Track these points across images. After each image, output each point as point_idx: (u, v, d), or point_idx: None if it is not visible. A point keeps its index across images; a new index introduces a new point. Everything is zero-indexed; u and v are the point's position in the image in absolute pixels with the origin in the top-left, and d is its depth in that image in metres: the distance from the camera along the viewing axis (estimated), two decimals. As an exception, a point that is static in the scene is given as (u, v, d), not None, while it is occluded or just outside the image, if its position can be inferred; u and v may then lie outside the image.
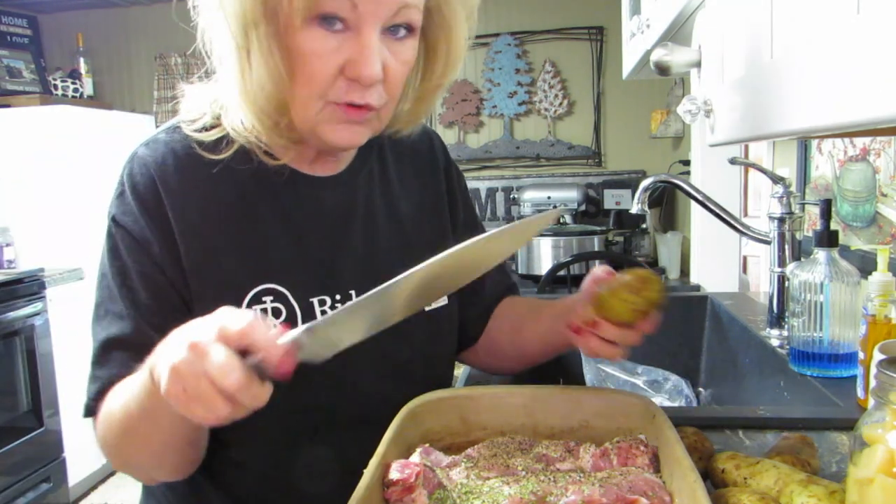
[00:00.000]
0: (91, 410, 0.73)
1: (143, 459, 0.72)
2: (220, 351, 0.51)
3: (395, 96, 0.72)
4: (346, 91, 0.67)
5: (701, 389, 1.59)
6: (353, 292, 0.79)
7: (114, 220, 0.74)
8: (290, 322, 0.75)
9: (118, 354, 0.72)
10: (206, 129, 0.76)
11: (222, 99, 0.74)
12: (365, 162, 0.84)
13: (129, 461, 0.73)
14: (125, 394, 0.66)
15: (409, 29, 0.68)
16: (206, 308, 0.71)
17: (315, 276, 0.77)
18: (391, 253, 0.82)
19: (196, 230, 0.73)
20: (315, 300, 0.77)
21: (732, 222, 1.33)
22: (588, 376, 1.40)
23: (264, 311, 0.74)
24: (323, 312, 0.77)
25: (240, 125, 0.72)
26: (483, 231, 0.96)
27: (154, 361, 0.58)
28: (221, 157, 0.74)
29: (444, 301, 0.85)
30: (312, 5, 0.62)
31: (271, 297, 0.75)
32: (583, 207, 3.52)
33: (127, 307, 0.72)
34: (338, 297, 0.78)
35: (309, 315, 0.77)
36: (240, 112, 0.71)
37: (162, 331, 0.70)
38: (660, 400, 1.40)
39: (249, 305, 0.74)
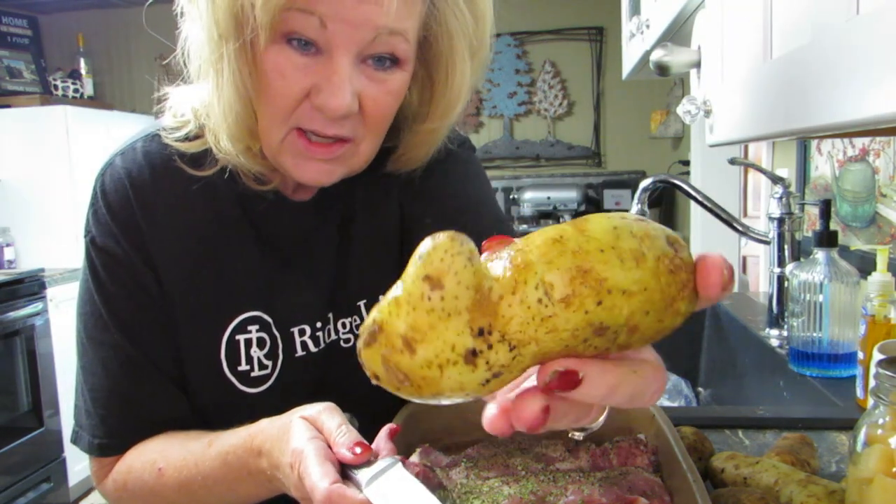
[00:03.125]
0: (107, 449, 0.69)
1: None
2: None
3: (379, 130, 0.64)
4: (310, 118, 0.60)
5: (701, 389, 1.59)
6: (331, 315, 0.75)
7: (93, 241, 0.69)
8: (272, 353, 0.72)
9: (122, 390, 0.69)
10: (188, 138, 0.69)
11: (203, 111, 0.68)
12: (350, 183, 0.73)
13: None
14: (194, 462, 0.63)
15: (395, 60, 0.61)
16: (189, 334, 0.70)
17: (295, 305, 0.73)
18: (360, 271, 0.76)
19: (174, 253, 0.68)
20: (295, 330, 0.73)
21: (732, 222, 1.33)
22: (588, 376, 1.40)
23: (248, 341, 0.70)
24: (303, 344, 0.73)
25: (221, 145, 0.66)
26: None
27: (269, 460, 0.56)
28: (205, 173, 0.68)
29: None
30: (277, 23, 0.56)
31: (257, 327, 0.71)
32: (582, 208, 3.52)
33: (122, 339, 0.68)
34: (318, 324, 0.74)
35: (289, 345, 0.73)
36: (217, 133, 0.65)
37: (161, 358, 0.69)
38: (660, 400, 1.39)
39: (233, 335, 0.70)
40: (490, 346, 0.29)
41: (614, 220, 0.31)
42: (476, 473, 0.61)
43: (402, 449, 0.65)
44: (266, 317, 0.71)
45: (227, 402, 0.71)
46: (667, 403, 1.39)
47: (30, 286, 2.82)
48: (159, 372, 0.69)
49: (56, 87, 3.72)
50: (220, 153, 0.66)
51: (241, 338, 0.70)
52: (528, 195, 3.54)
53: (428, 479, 0.57)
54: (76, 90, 3.78)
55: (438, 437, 0.69)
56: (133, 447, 0.69)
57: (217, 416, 0.70)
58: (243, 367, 0.70)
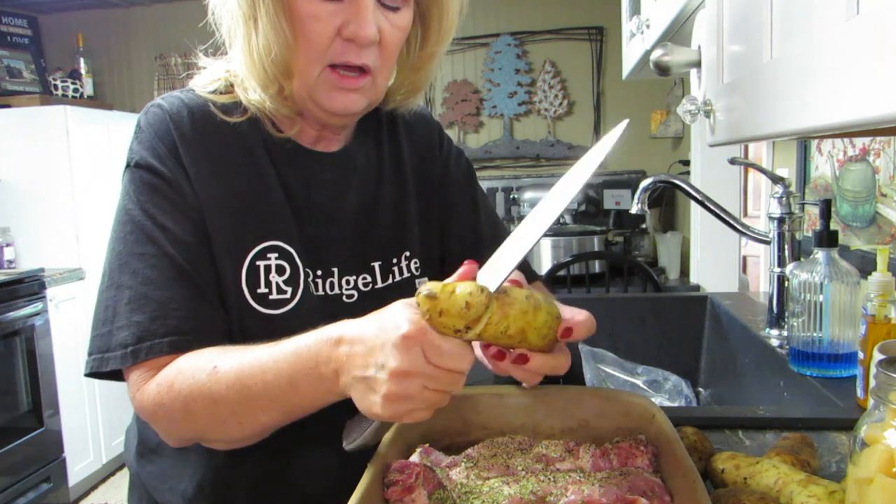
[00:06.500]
0: (150, 351, 0.69)
1: (235, 433, 0.68)
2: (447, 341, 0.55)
3: (391, 62, 0.77)
4: (342, 52, 0.72)
5: (701, 389, 1.59)
6: (335, 269, 0.81)
7: (137, 164, 0.75)
8: (293, 280, 0.77)
9: (164, 293, 0.70)
10: (220, 92, 0.79)
11: (234, 70, 0.78)
12: (363, 142, 0.87)
13: (209, 428, 0.69)
14: (255, 358, 0.64)
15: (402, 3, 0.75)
16: (216, 255, 0.74)
17: (305, 251, 0.78)
18: (379, 235, 0.85)
19: (206, 180, 0.75)
20: (311, 270, 0.79)
21: (732, 222, 1.33)
22: (588, 376, 1.40)
23: (268, 267, 0.76)
24: (306, 285, 0.78)
25: (249, 96, 0.76)
26: (503, 229, 0.99)
27: (339, 359, 0.59)
28: (234, 120, 0.77)
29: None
30: None
31: (276, 255, 0.77)
32: (583, 207, 3.52)
33: (169, 247, 0.71)
34: (319, 272, 0.80)
35: (306, 280, 0.78)
36: (248, 82, 0.75)
37: (203, 270, 0.73)
38: (660, 400, 1.40)
39: (254, 261, 0.75)
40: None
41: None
42: (476, 473, 0.61)
43: (403, 449, 0.65)
44: (287, 247, 0.77)
45: (248, 324, 0.74)
46: (667, 403, 1.39)
47: (30, 286, 2.82)
48: (203, 280, 0.73)
49: (56, 86, 3.71)
50: (248, 103, 0.76)
51: (261, 264, 0.76)
52: (528, 195, 3.53)
53: (428, 479, 0.57)
54: (76, 90, 3.78)
55: (438, 437, 0.69)
56: (185, 355, 0.69)
57: (240, 341, 0.71)
58: (262, 289, 0.76)
